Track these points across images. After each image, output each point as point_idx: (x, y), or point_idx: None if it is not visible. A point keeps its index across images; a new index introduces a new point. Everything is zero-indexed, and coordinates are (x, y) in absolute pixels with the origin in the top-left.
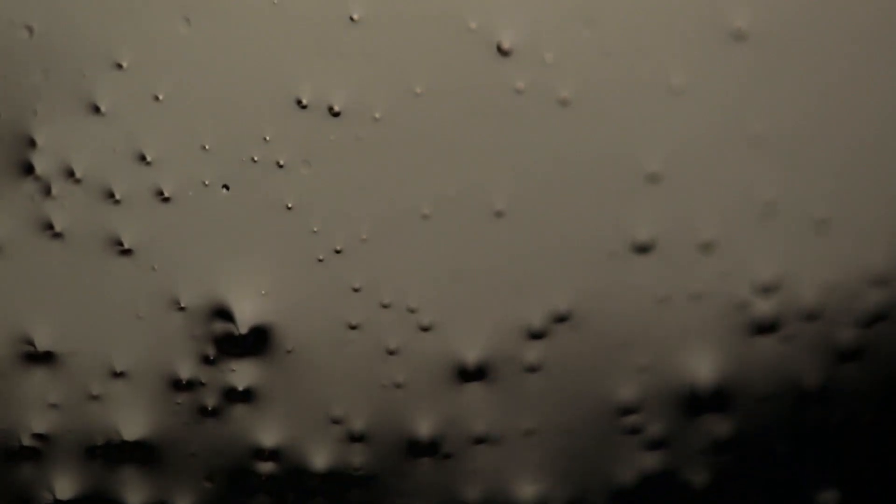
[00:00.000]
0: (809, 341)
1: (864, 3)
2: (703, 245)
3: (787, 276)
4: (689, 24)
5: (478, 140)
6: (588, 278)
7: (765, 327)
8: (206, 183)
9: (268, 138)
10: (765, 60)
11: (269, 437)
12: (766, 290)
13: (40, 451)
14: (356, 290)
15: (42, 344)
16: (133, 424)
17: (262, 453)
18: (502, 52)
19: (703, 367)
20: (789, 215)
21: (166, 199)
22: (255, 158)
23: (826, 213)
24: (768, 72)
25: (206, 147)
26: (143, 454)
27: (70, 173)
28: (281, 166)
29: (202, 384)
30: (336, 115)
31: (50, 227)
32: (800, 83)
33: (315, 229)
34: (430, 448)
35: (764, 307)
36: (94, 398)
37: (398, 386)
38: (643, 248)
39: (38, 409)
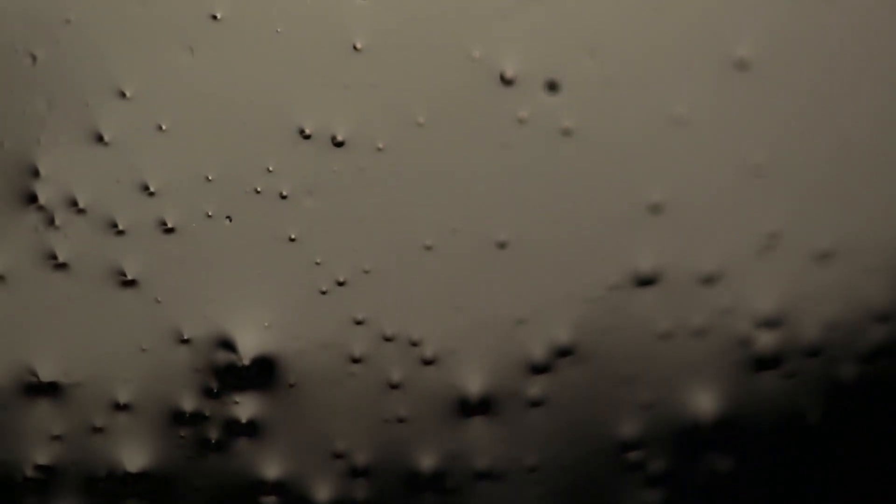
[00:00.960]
0: (812, 377)
1: (866, 33)
2: (706, 278)
3: (789, 311)
4: (691, 53)
5: (480, 170)
6: (591, 311)
7: (767, 363)
8: (210, 214)
9: (271, 169)
10: (767, 90)
11: (271, 470)
12: (769, 324)
13: (43, 482)
14: (359, 323)
15: (45, 375)
16: (136, 457)
17: (264, 487)
18: (505, 81)
19: (705, 403)
20: (792, 248)
21: (170, 230)
22: (259, 189)
23: (828, 245)
24: (771, 102)
25: (210, 178)
26: (146, 487)
27: (73, 203)
28: (284, 197)
29: (205, 417)
30: (339, 145)
31: (53, 257)
32: (802, 113)
33: (318, 261)
34: (432, 483)
35: (766, 342)
36: (98, 430)
37: (401, 420)
38: (646, 281)
39: (41, 440)
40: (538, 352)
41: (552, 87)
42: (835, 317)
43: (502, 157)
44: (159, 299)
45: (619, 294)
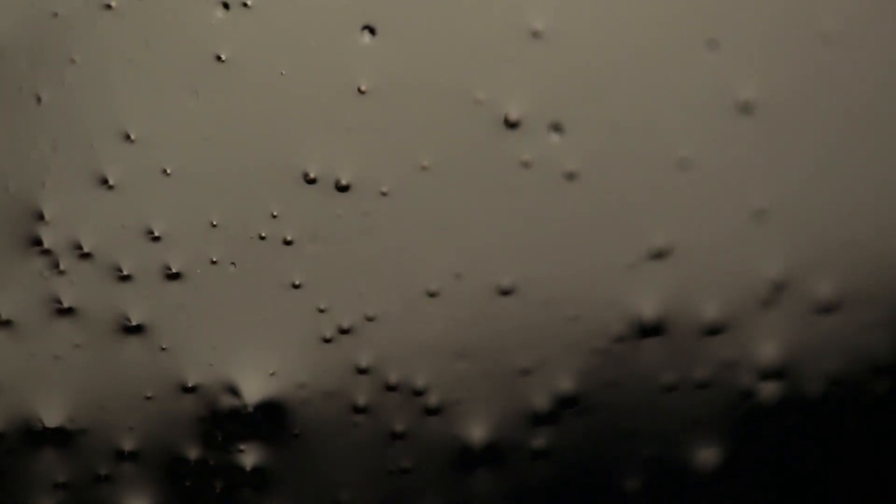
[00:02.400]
0: (814, 429)
1: (871, 76)
2: (709, 328)
3: (791, 363)
4: (695, 96)
5: (484, 214)
6: (595, 362)
7: (769, 415)
8: (215, 260)
9: (276, 214)
10: (772, 135)
11: None
12: (771, 377)
13: None
14: (362, 371)
15: (50, 422)
16: None
17: None
18: (509, 124)
19: (708, 455)
20: (796, 297)
21: (175, 276)
22: (263, 235)
23: (833, 295)
24: (775, 147)
25: (215, 223)
26: None
27: (78, 248)
28: (288, 243)
29: (210, 465)
30: (343, 189)
31: (58, 302)
32: (807, 158)
33: (322, 307)
34: None
35: (768, 394)
36: (102, 478)
37: (405, 471)
38: (649, 331)
39: (46, 488)
40: (542, 402)
41: (556, 130)
42: (838, 370)
43: (506, 201)
44: (164, 346)
45: (622, 345)
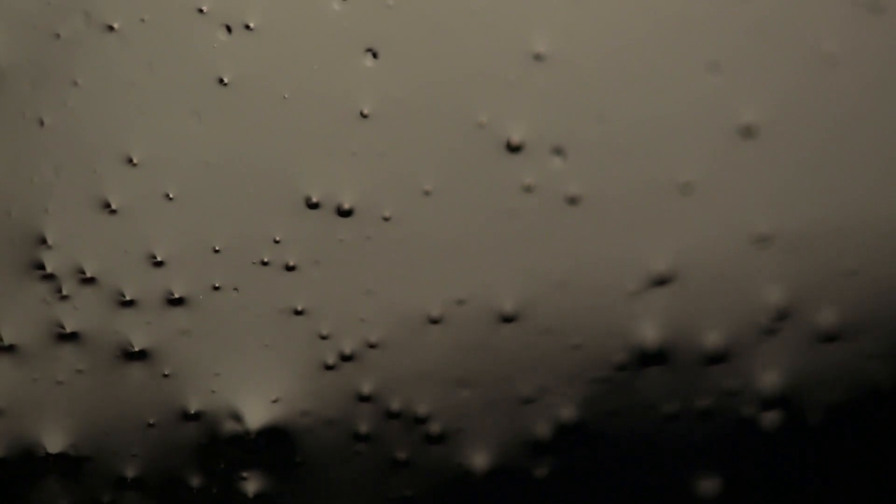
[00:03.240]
0: (815, 458)
1: (873, 99)
2: (711, 356)
3: (793, 392)
4: (697, 119)
5: (487, 239)
6: (596, 390)
7: (770, 444)
8: (217, 285)
9: (278, 239)
10: (774, 158)
11: None
12: (772, 405)
13: None
14: (364, 399)
15: (53, 448)
16: None
17: None
18: (511, 148)
19: (709, 485)
20: (796, 324)
21: (177, 302)
22: (266, 260)
23: (833, 322)
24: (777, 170)
25: (217, 248)
26: None
27: (81, 273)
28: (291, 268)
29: (212, 493)
30: (346, 214)
31: (61, 327)
32: (809, 182)
33: (324, 334)
34: None
35: (770, 423)
36: None
37: (407, 499)
38: (652, 360)
39: None
40: (544, 431)
41: (558, 153)
42: (839, 399)
43: (508, 226)
44: (166, 372)
45: (624, 373)
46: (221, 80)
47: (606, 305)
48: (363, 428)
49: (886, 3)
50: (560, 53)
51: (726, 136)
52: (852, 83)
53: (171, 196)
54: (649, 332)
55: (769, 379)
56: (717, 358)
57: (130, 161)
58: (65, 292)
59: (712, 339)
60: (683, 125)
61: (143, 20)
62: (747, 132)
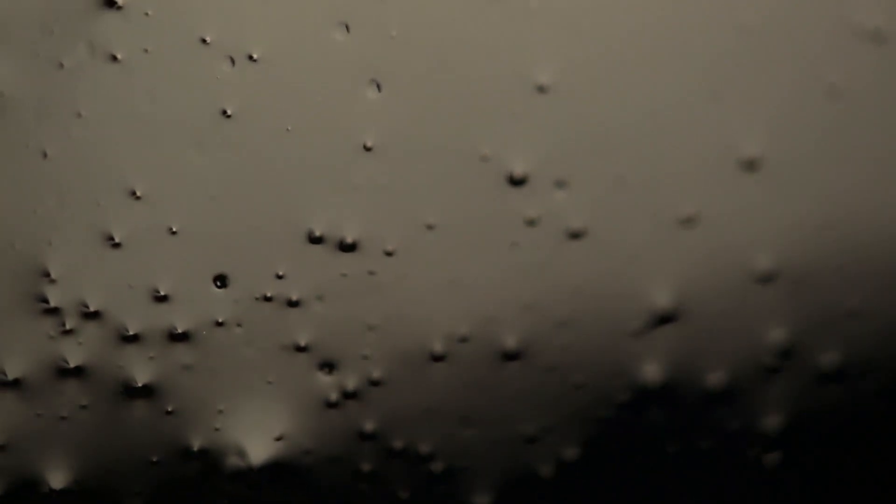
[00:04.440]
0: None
1: (877, 132)
2: (713, 395)
3: (795, 431)
4: (700, 152)
5: (490, 273)
6: (599, 428)
7: (772, 483)
8: (221, 321)
9: (281, 273)
10: (776, 191)
11: None
12: (775, 445)
13: None
14: (367, 438)
15: (56, 484)
16: None
17: None
18: (514, 181)
19: None
20: (800, 363)
21: (180, 338)
22: (269, 295)
23: (835, 361)
24: (780, 203)
25: (221, 283)
26: None
27: (85, 307)
28: (293, 304)
29: None
30: (349, 248)
31: (64, 362)
32: (812, 217)
33: (327, 370)
34: None
35: (772, 462)
36: None
37: None
38: (654, 398)
39: None
40: (547, 470)
41: (562, 186)
42: (841, 438)
43: (512, 260)
44: (170, 409)
45: (627, 412)
46: (225, 112)
47: (609, 344)
48: (366, 466)
49: (889, 33)
50: (563, 85)
51: (728, 169)
52: (856, 114)
53: (174, 230)
54: (652, 372)
55: (771, 419)
56: (719, 397)
57: (134, 194)
58: (68, 326)
59: (715, 378)
60: (686, 157)
61: (146, 50)
62: (750, 165)
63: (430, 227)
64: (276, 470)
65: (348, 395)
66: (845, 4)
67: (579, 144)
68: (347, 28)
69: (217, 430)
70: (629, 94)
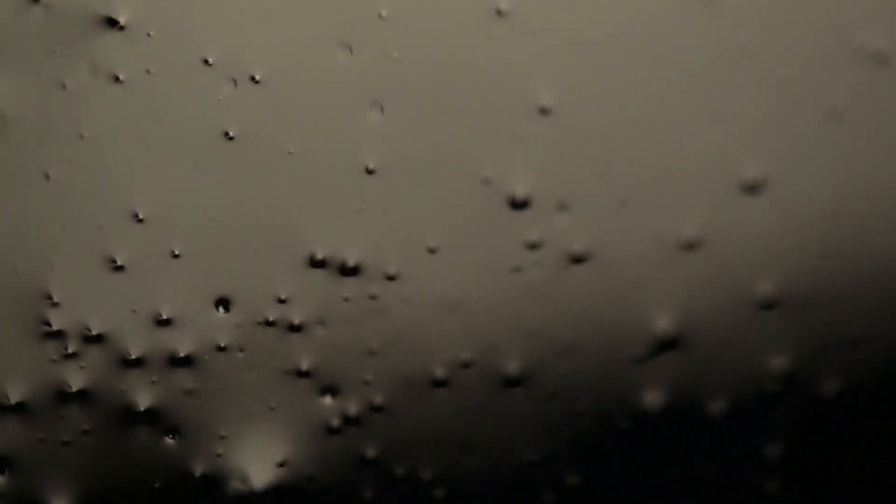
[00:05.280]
0: None
1: (879, 154)
2: (714, 423)
3: (795, 457)
4: (701, 175)
5: (492, 297)
6: (600, 456)
7: None
8: (223, 346)
9: (283, 297)
10: (778, 214)
11: None
12: (774, 470)
13: None
14: (369, 464)
15: None
16: None
17: None
18: (516, 205)
19: None
20: (799, 390)
21: (182, 362)
22: (271, 319)
23: (836, 388)
24: (781, 227)
25: (223, 307)
26: None
27: (87, 330)
28: (295, 328)
29: None
30: (351, 272)
31: (67, 386)
32: (814, 242)
33: (329, 395)
34: None
35: (774, 489)
36: None
37: None
38: (656, 425)
39: None
40: (550, 498)
41: (564, 209)
42: (842, 466)
43: (514, 284)
44: (172, 434)
45: (629, 439)
46: (227, 135)
47: (611, 371)
48: (367, 492)
49: (891, 55)
50: (565, 107)
51: (730, 191)
52: (858, 137)
53: (176, 253)
54: (654, 398)
55: (773, 446)
56: (720, 424)
57: (136, 216)
58: (70, 350)
59: (716, 405)
60: (688, 179)
61: (148, 71)
62: (752, 187)
63: (431, 251)
64: (278, 496)
65: (350, 421)
66: (847, 26)
67: (581, 167)
68: (350, 50)
69: (219, 455)
70: (631, 117)
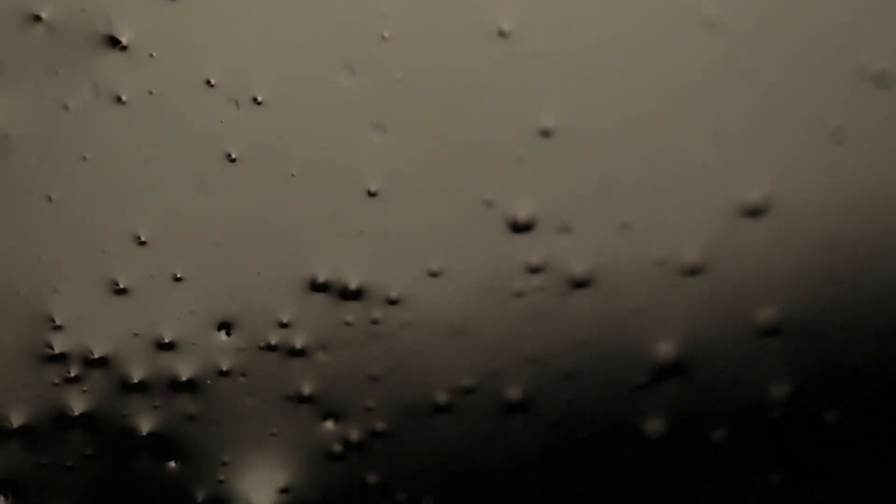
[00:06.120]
0: None
1: (882, 177)
2: (715, 446)
3: (796, 483)
4: (704, 198)
5: (494, 324)
6: (601, 482)
7: None
8: (225, 370)
9: (285, 322)
10: (780, 238)
11: None
12: (777, 498)
13: None
14: (370, 489)
15: None
16: None
17: None
18: (518, 227)
19: None
20: (800, 417)
21: (184, 387)
22: (273, 344)
23: (837, 416)
24: (784, 251)
25: (225, 331)
26: None
27: (90, 354)
28: (297, 353)
29: None
30: (352, 296)
31: (70, 410)
32: (816, 265)
33: (331, 420)
34: None
35: None
36: None
37: None
38: (657, 450)
39: None
40: None
41: (565, 231)
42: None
43: (516, 308)
44: (174, 462)
45: (632, 466)
46: (230, 156)
47: (613, 397)
48: None
49: (894, 78)
50: (567, 129)
51: (733, 215)
52: (861, 160)
53: (179, 276)
54: (655, 425)
55: (774, 472)
56: (721, 450)
57: (138, 239)
58: (73, 373)
59: (717, 432)
60: (690, 202)
61: (151, 92)
62: (754, 211)
63: (433, 274)
64: None
65: (352, 447)
66: (850, 48)
67: (583, 189)
68: (352, 71)
69: (221, 481)
70: (633, 139)
